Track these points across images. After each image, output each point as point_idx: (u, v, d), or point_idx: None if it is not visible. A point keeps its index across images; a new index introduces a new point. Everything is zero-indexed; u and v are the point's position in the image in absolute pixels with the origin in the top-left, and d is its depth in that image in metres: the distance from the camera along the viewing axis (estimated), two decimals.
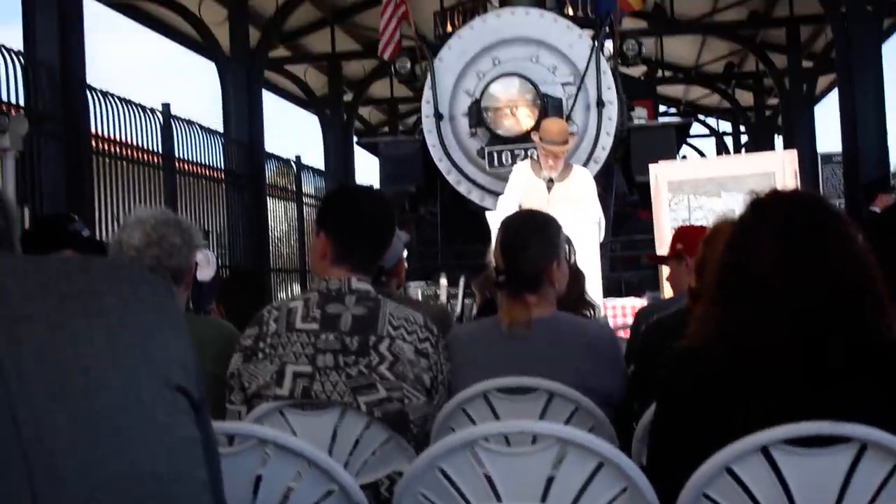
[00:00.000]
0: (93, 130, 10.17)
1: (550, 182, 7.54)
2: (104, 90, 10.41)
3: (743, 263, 1.99)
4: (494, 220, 7.03)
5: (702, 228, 4.91)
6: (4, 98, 8.55)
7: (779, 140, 24.34)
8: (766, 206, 2.06)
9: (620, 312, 7.65)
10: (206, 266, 10.55)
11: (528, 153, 8.43)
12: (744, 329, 1.93)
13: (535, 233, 3.11)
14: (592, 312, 4.25)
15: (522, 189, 7.64)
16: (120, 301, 1.43)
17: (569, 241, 3.32)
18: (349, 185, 3.16)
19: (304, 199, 17.69)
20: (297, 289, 17.73)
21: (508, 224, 3.19)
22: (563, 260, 3.17)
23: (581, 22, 10.04)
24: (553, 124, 7.73)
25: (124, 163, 11.05)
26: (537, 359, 2.94)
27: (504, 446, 2.28)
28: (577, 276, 3.98)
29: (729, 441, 1.89)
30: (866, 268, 1.92)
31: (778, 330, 1.90)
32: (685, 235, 4.54)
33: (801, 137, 19.00)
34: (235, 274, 6.31)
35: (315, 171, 18.79)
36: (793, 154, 7.77)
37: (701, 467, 1.93)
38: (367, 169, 64.89)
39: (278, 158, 16.77)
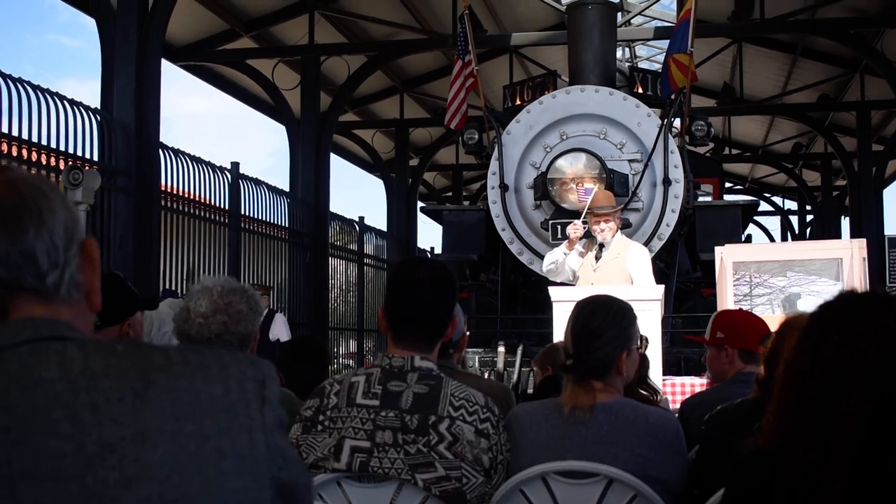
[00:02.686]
0: (163, 186, 10.36)
1: (600, 249, 7.62)
2: (176, 148, 10.64)
3: (809, 368, 1.90)
4: (556, 293, 7.03)
5: (743, 314, 4.80)
6: (80, 153, 8.77)
7: (845, 221, 24.06)
8: (833, 307, 1.96)
9: (679, 391, 7.54)
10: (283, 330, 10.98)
11: None
12: (807, 433, 1.86)
13: (610, 321, 3.01)
14: (654, 397, 4.17)
15: (574, 259, 7.76)
16: (196, 428, 1.26)
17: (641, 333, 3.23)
18: (408, 267, 3.00)
19: (365, 260, 17.85)
20: (353, 346, 17.86)
21: (582, 308, 3.08)
22: (635, 350, 3.10)
23: (650, 101, 10.09)
24: (600, 193, 8.10)
25: (192, 218, 11.25)
26: (598, 443, 2.89)
27: None
28: (642, 361, 3.92)
29: None
30: None
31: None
32: (726, 324, 4.42)
33: (869, 219, 18.77)
34: (296, 341, 6.34)
35: (377, 231, 18.97)
36: (862, 242, 7.66)
37: None
38: (428, 231, 64.97)
39: (342, 219, 16.97)
